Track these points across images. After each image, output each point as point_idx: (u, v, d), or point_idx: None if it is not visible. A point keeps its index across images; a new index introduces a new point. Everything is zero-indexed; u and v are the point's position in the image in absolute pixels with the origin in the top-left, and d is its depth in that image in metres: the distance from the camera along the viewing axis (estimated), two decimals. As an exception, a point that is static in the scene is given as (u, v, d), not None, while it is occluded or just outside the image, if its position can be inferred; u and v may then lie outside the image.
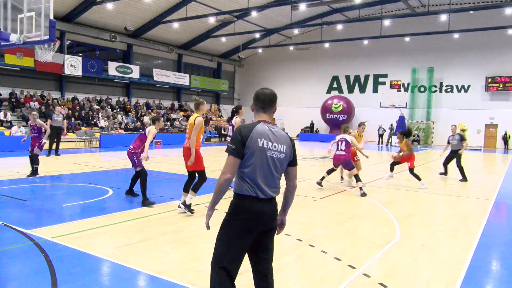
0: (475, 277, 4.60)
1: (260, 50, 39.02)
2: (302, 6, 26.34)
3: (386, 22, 29.41)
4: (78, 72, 26.35)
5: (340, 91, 37.53)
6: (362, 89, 36.67)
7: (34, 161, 10.56)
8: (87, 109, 26.22)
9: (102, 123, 25.03)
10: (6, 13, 7.46)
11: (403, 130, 13.00)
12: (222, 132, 31.71)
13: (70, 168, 12.58)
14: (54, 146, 16.25)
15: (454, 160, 12.41)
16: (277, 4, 27.85)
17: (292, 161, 3.03)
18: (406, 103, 33.15)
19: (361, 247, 5.50)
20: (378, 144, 31.37)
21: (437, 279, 4.44)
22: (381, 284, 4.22)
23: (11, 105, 23.12)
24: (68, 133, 21.83)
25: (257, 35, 34.92)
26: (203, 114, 7.09)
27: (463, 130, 20.56)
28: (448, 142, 12.64)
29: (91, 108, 26.66)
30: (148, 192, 7.66)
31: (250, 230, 2.86)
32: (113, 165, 14.02)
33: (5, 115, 21.26)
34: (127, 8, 26.00)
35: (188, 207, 6.89)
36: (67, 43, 26.92)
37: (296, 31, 35.62)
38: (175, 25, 28.89)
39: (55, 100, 24.85)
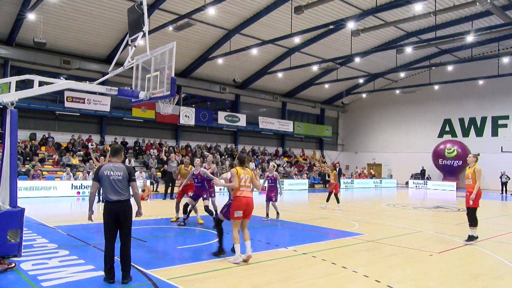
0: None
1: (364, 95, 38.46)
2: (408, 49, 25.64)
3: (505, 60, 27.06)
4: (191, 121, 28.63)
5: (454, 135, 34.88)
6: (479, 133, 33.60)
7: (208, 212, 10.09)
8: (199, 155, 28.05)
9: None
10: (138, 73, 8.56)
11: None
12: (326, 178, 31.31)
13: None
14: (169, 190, 17.56)
15: None
16: (381, 49, 27.55)
17: (129, 179, 5.65)
18: (535, 146, 29.47)
19: (490, 313, 4.83)
20: (502, 193, 28.01)
21: None
22: None
23: (135, 152, 25.84)
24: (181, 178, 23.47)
25: (361, 80, 34.63)
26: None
27: None
28: None
29: (202, 154, 28.46)
30: (255, 238, 7.76)
31: (109, 218, 5.52)
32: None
33: (130, 162, 23.68)
34: (235, 61, 27.95)
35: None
36: (182, 95, 29.60)
37: (402, 74, 34.56)
38: (280, 74, 30.10)
39: (171, 148, 27.13)
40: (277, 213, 11.72)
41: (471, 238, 8.91)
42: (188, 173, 10.86)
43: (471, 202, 8.85)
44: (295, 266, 6.68)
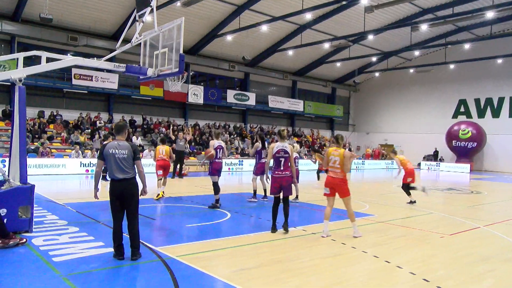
0: None
1: (376, 74, 37.77)
2: (423, 26, 24.94)
3: (524, 38, 26.18)
4: (200, 100, 28.49)
5: (469, 116, 34.18)
6: (496, 114, 32.84)
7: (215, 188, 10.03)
8: (207, 134, 28.03)
9: (221, 147, 26.42)
10: (145, 50, 8.42)
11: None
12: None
13: (192, 190, 13.44)
14: (177, 169, 17.60)
15: None
16: (395, 26, 26.83)
17: (133, 158, 5.61)
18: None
19: (502, 297, 4.75)
20: (515, 174, 27.67)
21: None
22: None
23: (143, 131, 25.85)
24: (190, 157, 23.52)
25: (374, 59, 33.98)
26: None
27: None
28: None
29: (211, 133, 28.42)
30: (264, 217, 7.71)
31: (114, 196, 5.53)
32: (230, 189, 14.60)
33: (137, 138, 23.71)
34: (244, 39, 27.54)
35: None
36: (191, 73, 29.36)
37: (416, 52, 33.78)
38: (290, 52, 29.61)
39: (180, 126, 27.10)
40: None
41: (411, 202, 11.58)
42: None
43: (408, 180, 11.61)
44: (304, 246, 6.65)
